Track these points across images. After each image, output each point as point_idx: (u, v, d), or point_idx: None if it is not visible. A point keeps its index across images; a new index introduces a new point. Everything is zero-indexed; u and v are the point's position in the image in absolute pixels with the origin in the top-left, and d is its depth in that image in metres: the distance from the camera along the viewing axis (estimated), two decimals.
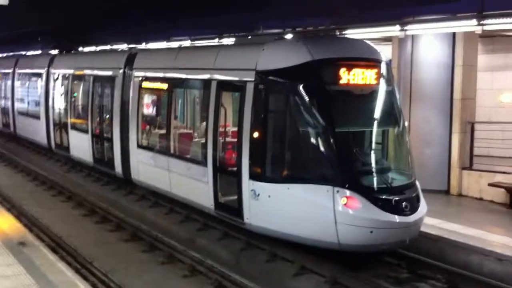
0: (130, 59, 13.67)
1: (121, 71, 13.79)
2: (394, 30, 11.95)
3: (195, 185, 10.59)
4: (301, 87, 8.60)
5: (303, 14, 13.98)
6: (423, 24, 11.85)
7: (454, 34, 12.76)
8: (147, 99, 13.19)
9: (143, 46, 19.91)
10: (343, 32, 12.73)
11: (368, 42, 10.11)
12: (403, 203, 8.20)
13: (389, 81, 9.21)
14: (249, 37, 15.06)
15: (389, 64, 9.54)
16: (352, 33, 12.50)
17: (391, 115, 9.17)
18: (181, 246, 9.62)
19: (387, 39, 14.49)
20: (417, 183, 8.98)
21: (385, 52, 13.28)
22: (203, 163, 10.30)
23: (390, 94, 9.15)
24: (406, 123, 9.60)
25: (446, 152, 13.04)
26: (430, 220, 9.93)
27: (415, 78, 13.37)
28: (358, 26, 12.46)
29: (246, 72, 9.34)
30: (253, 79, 9.14)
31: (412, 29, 11.80)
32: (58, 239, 10.20)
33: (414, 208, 8.34)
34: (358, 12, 12.62)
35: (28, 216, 11.81)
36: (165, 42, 18.92)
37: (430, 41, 13.12)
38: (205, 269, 8.66)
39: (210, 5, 12.96)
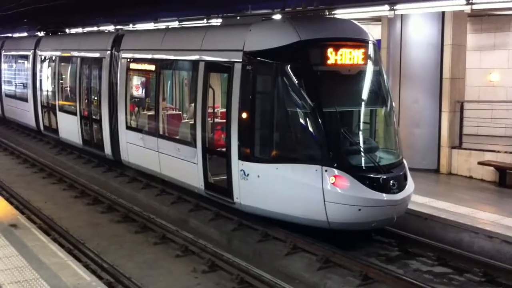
0: (117, 40, 13.70)
1: (108, 52, 13.80)
2: (383, 10, 11.94)
3: (184, 166, 10.68)
4: (288, 68, 8.69)
5: None
6: (412, 4, 11.82)
7: (443, 13, 12.79)
8: (135, 80, 13.23)
9: (130, 27, 19.80)
10: (332, 12, 12.68)
11: (355, 22, 10.14)
12: (390, 182, 8.35)
13: (376, 61, 9.32)
14: (238, 18, 14.98)
15: (376, 44, 9.58)
16: (342, 13, 12.47)
17: (378, 95, 9.28)
18: (173, 226, 9.65)
19: (377, 19, 14.49)
20: (405, 162, 9.11)
21: (374, 32, 13.42)
22: (192, 144, 10.41)
23: (377, 74, 9.26)
24: (394, 103, 9.66)
25: (435, 132, 13.16)
26: (420, 198, 10.06)
27: (405, 59, 13.40)
28: (347, 6, 12.42)
29: (233, 53, 9.41)
30: (240, 60, 9.21)
31: (401, 8, 11.77)
32: (50, 221, 10.17)
33: (401, 186, 8.51)
34: None
35: (18, 199, 11.76)
36: (152, 24, 18.80)
37: (419, 21, 13.14)
38: (198, 249, 8.70)
39: None
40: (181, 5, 17.16)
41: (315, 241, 8.63)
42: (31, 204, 11.40)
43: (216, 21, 16.70)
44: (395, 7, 11.62)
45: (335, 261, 8.10)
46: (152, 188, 12.40)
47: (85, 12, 19.22)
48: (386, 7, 11.67)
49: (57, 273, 6.78)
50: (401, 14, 12.80)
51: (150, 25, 18.93)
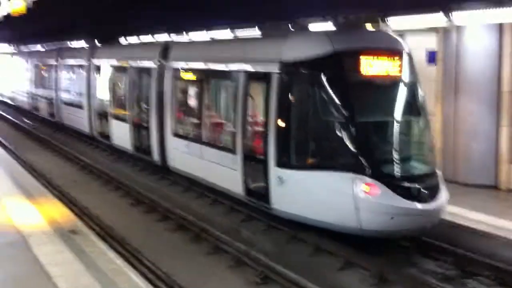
0: (165, 51, 14.36)
1: (157, 62, 14.47)
2: (439, 19, 11.63)
3: (226, 172, 11.09)
4: (322, 78, 8.98)
5: (343, 2, 13.85)
6: (470, 11, 11.27)
7: None
8: (181, 89, 13.74)
9: (183, 36, 20.07)
10: (386, 19, 12.52)
11: (391, 33, 10.44)
12: (423, 191, 8.50)
13: (410, 71, 9.43)
14: (290, 26, 15.07)
15: (411, 54, 9.68)
16: (396, 22, 12.26)
17: (412, 105, 9.37)
18: (226, 237, 9.75)
19: (434, 30, 14.23)
20: (438, 172, 9.26)
21: (429, 42, 13.19)
22: (233, 151, 10.82)
23: (411, 85, 9.40)
24: (429, 114, 9.80)
25: (493, 146, 12.76)
26: (477, 215, 9.80)
27: (460, 69, 13.12)
28: (401, 13, 12.18)
29: (271, 63, 9.76)
30: (277, 70, 9.57)
31: (459, 17, 11.39)
32: (107, 228, 10.41)
33: (433, 196, 8.63)
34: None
35: (78, 205, 12.07)
36: (205, 32, 19.08)
37: (475, 30, 12.79)
38: (250, 261, 8.74)
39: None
40: (232, 14, 17.39)
41: (368, 256, 8.56)
42: (90, 210, 11.68)
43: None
44: (451, 16, 11.25)
45: (391, 279, 7.98)
46: (205, 198, 12.60)
47: (138, 22, 19.86)
48: (441, 14, 11.26)
49: (114, 280, 6.97)
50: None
51: (202, 34, 19.24)
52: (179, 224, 10.81)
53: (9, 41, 33.89)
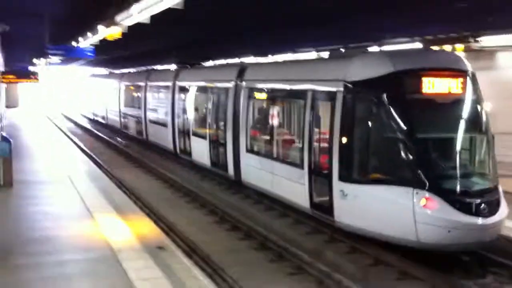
0: (241, 72, 15.17)
1: (233, 83, 15.28)
2: None
3: (294, 186, 11.73)
4: (384, 96, 9.49)
5: (430, 21, 13.55)
6: None
7: None
8: (254, 108, 14.55)
9: (268, 58, 20.47)
10: (477, 39, 12.12)
11: (453, 52, 11.06)
12: (481, 206, 8.70)
13: (471, 90, 9.71)
14: (376, 46, 15.01)
15: (473, 73, 9.91)
16: (486, 40, 11.84)
17: (473, 123, 9.65)
18: (308, 257, 9.69)
19: None
20: (499, 188, 9.39)
21: None
22: (301, 166, 11.44)
23: (472, 102, 9.68)
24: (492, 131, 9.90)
25: None
26: None
27: None
28: (491, 33, 11.77)
29: (336, 83, 10.36)
30: (342, 89, 10.15)
31: None
32: (193, 245, 10.64)
33: (492, 211, 8.80)
34: (490, 17, 11.93)
35: (165, 222, 12.41)
36: (290, 54, 19.39)
37: None
38: (333, 283, 8.64)
39: (335, 12, 12.93)
40: (317, 36, 17.47)
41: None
42: (176, 227, 12.00)
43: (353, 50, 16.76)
44: None
45: None
46: (287, 218, 12.62)
47: (221, 45, 20.59)
48: None
49: None
50: None
51: (288, 56, 19.57)
52: (262, 243, 10.88)
53: (103, 64, 35.91)
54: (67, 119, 45.27)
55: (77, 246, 8.81)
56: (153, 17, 10.80)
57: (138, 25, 12.11)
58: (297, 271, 9.42)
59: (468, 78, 9.73)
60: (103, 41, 16.41)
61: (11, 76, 20.67)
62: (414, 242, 8.86)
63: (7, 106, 43.89)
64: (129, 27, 12.52)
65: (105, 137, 30.17)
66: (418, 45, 14.50)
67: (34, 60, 32.05)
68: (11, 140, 14.02)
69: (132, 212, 11.30)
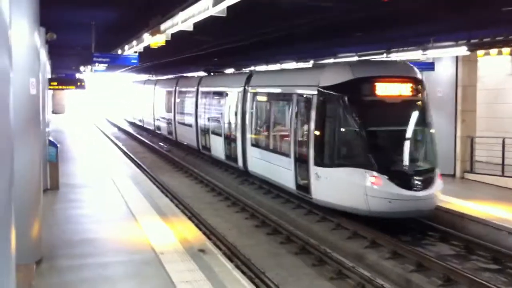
0: (248, 79, 17.74)
1: (242, 88, 17.83)
2: None
3: (284, 172, 14.19)
4: (345, 98, 11.97)
5: (475, 25, 13.32)
6: None
7: None
8: (256, 108, 17.08)
9: (311, 63, 20.78)
10: None
11: (407, 62, 13.75)
12: (416, 183, 11.15)
13: (417, 93, 12.17)
14: (420, 51, 14.97)
15: (420, 79, 12.44)
16: None
17: (415, 119, 12.01)
18: (349, 262, 9.65)
19: None
20: (436, 170, 11.78)
21: None
22: (289, 155, 13.99)
23: (416, 103, 12.18)
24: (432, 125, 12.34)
25: None
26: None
27: None
28: None
29: (312, 88, 12.90)
30: (316, 93, 12.65)
31: None
32: (234, 248, 10.74)
33: (425, 187, 11.18)
34: None
35: (206, 225, 12.58)
36: (332, 59, 19.53)
37: None
38: None
39: (378, 20, 12.90)
40: (360, 42, 17.40)
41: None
42: (217, 230, 12.14)
43: (396, 55, 16.67)
44: None
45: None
46: (328, 222, 12.59)
47: (253, 53, 21.27)
48: None
49: None
50: None
51: (330, 60, 19.69)
52: (302, 247, 10.89)
53: (144, 70, 36.70)
54: (111, 124, 46.27)
55: (120, 249, 8.98)
56: (195, 25, 11.01)
57: (180, 33, 12.33)
58: (338, 276, 9.39)
59: (415, 83, 12.15)
60: (146, 48, 16.76)
61: (57, 83, 21.26)
62: (366, 211, 11.33)
63: (53, 112, 45.18)
64: (172, 34, 12.76)
65: (147, 141, 30.74)
66: (463, 49, 14.34)
67: (80, 68, 32.91)
68: (58, 145, 14.43)
69: (174, 215, 11.45)
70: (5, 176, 2.55)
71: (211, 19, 9.75)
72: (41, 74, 8.69)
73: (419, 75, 12.51)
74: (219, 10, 8.95)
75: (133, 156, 23.52)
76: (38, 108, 7.99)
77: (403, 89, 12.04)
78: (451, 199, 13.00)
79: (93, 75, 32.16)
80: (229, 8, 8.88)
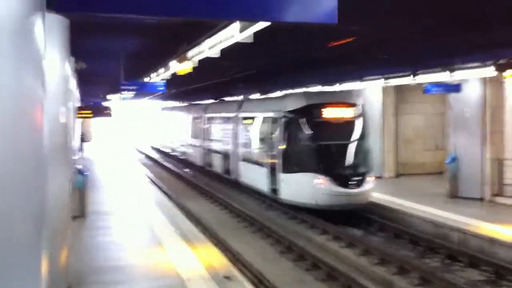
0: (240, 105, 22.15)
1: (235, 113, 22.05)
2: None
3: (261, 179, 18.00)
4: (301, 120, 15.96)
5: (503, 44, 13.23)
6: None
7: None
8: (243, 130, 20.87)
9: (336, 86, 21.04)
10: None
11: (350, 90, 19.68)
12: (350, 183, 15.01)
13: (357, 115, 16.17)
14: (447, 72, 15.11)
15: (358, 105, 16.49)
16: None
17: (355, 135, 15.93)
18: None
19: None
20: (369, 173, 15.66)
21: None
22: (264, 165, 17.88)
23: (355, 123, 16.07)
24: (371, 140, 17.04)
25: None
26: None
27: None
28: None
29: (279, 112, 17.00)
30: (282, 116, 16.70)
31: None
32: (260, 275, 10.68)
33: (358, 186, 15.08)
34: None
35: (232, 251, 12.55)
36: (358, 82, 19.69)
37: None
38: None
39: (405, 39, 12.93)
40: (384, 64, 17.40)
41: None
42: (242, 257, 12.09)
43: (421, 77, 16.68)
44: None
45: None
46: (354, 248, 12.47)
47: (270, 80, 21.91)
48: None
49: None
50: None
51: (356, 84, 19.93)
52: (328, 274, 10.77)
53: (169, 97, 37.29)
54: (138, 151, 46.76)
55: (147, 275, 9.02)
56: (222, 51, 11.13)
57: (206, 59, 12.49)
58: None
59: (355, 108, 16.21)
60: (173, 75, 16.98)
61: (86, 112, 21.64)
62: (315, 205, 15.16)
63: (81, 140, 45.83)
64: (200, 60, 12.93)
65: (172, 167, 30.95)
66: (490, 69, 14.37)
67: (108, 96, 33.43)
68: (86, 173, 14.62)
69: (199, 241, 11.47)
70: (39, 204, 2.61)
71: (238, 45, 9.84)
72: (70, 103, 8.87)
73: (358, 101, 16.68)
74: (246, 36, 9.03)
75: (158, 183, 23.70)
76: (68, 137, 8.14)
77: (344, 112, 16.03)
78: (479, 223, 12.76)
79: (120, 103, 32.66)
80: (256, 34, 8.95)
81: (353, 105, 16.18)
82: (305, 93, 18.72)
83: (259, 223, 15.57)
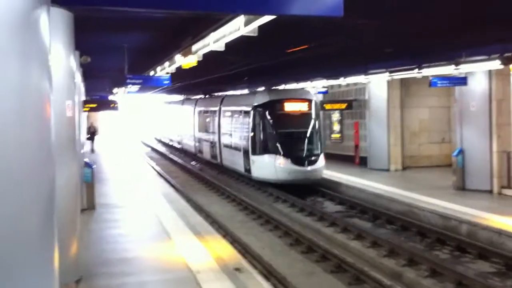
0: (222, 100, 25.90)
1: (218, 107, 25.84)
2: None
3: (238, 161, 21.72)
4: (266, 113, 19.94)
5: (509, 39, 13.12)
6: None
7: None
8: (225, 122, 24.61)
9: (341, 80, 21.15)
10: None
11: (305, 89, 23.12)
12: (305, 162, 18.83)
13: (310, 109, 19.97)
14: (452, 65, 14.90)
15: (313, 100, 20.37)
16: None
17: (310, 124, 19.69)
18: (387, 281, 9.47)
19: None
20: (321, 155, 19.39)
21: None
22: (239, 149, 21.61)
23: (309, 114, 19.89)
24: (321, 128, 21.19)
25: None
26: None
27: None
28: None
29: (250, 106, 20.76)
30: (251, 109, 20.54)
31: None
32: (269, 267, 10.66)
33: (311, 164, 18.88)
34: None
35: (241, 244, 12.54)
36: (363, 76, 19.76)
37: None
38: None
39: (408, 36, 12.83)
40: (389, 57, 17.31)
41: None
42: (251, 249, 12.09)
43: (427, 70, 16.57)
44: None
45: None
46: (363, 240, 12.43)
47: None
48: None
49: None
50: None
51: (360, 78, 20.04)
52: (338, 265, 10.75)
53: (173, 91, 37.45)
54: (144, 144, 46.85)
55: (156, 267, 9.01)
56: (227, 45, 11.08)
57: (211, 53, 12.45)
58: None
59: (309, 102, 20.01)
60: (178, 69, 16.95)
61: (92, 105, 21.66)
62: (278, 180, 18.87)
63: (90, 134, 45.92)
64: (204, 54, 12.88)
65: (179, 160, 30.98)
66: (496, 63, 14.26)
67: (114, 89, 33.48)
68: (93, 166, 14.65)
69: (209, 234, 11.45)
70: (48, 196, 2.59)
71: (243, 39, 9.79)
72: (76, 97, 8.85)
73: (311, 97, 20.51)
74: (251, 29, 8.98)
75: (165, 175, 23.73)
76: (74, 130, 8.13)
77: (300, 107, 19.86)
78: (489, 216, 12.68)
79: (126, 96, 32.68)
80: (261, 27, 8.90)
81: (307, 100, 20.00)
82: (269, 90, 22.65)
83: (266, 215, 15.53)
